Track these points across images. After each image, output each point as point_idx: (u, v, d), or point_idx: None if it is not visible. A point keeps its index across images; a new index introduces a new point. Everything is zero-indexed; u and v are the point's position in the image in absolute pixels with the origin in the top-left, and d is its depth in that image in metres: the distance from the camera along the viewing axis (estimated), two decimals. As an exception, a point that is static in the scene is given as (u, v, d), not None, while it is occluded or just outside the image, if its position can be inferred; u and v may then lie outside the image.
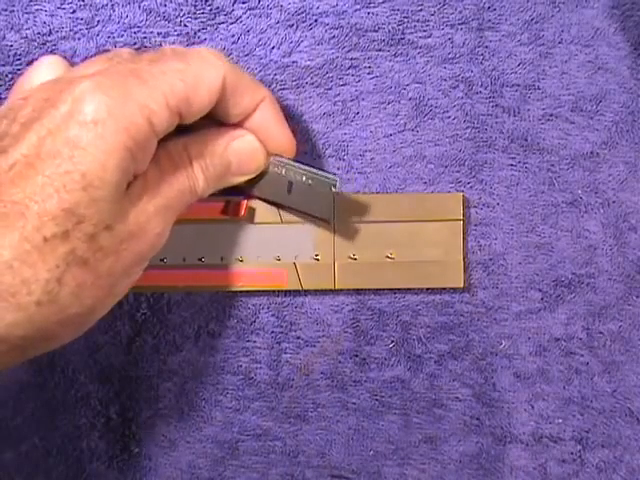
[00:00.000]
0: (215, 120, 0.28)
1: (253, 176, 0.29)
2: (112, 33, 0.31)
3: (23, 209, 0.23)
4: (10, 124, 0.24)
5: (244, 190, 0.30)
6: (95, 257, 0.24)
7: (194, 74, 0.25)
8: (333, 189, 0.29)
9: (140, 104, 0.24)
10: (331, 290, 0.32)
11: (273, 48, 0.32)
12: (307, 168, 0.30)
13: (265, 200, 0.31)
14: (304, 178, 0.30)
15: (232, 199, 0.31)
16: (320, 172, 0.30)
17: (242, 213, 0.31)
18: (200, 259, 0.31)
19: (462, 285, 0.32)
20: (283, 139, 0.29)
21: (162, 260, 0.31)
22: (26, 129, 0.23)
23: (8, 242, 0.22)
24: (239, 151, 0.28)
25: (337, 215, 0.31)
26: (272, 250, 0.31)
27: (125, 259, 0.25)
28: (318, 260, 0.31)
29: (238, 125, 0.28)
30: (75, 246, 0.23)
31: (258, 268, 0.31)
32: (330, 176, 0.29)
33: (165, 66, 0.25)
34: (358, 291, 0.32)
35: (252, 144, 0.29)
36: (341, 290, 0.32)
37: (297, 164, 0.30)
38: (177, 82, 0.25)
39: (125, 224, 0.24)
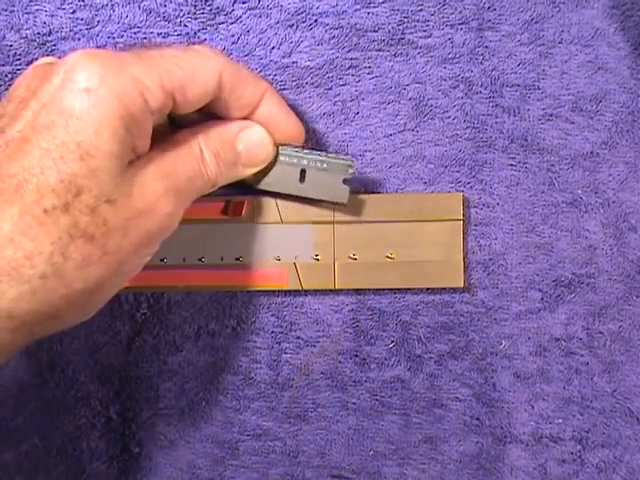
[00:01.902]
0: (220, 117, 0.28)
1: (262, 167, 0.29)
2: (112, 33, 0.31)
3: (22, 182, 0.23)
4: (6, 105, 0.24)
5: (252, 186, 0.30)
6: (100, 231, 0.24)
7: (191, 63, 0.26)
8: (350, 170, 0.30)
9: (134, 77, 0.24)
10: (331, 290, 0.32)
11: (273, 48, 0.32)
12: (321, 153, 0.30)
13: (275, 194, 0.31)
14: (319, 164, 0.30)
15: (232, 199, 0.31)
16: (334, 155, 0.30)
17: (242, 213, 0.31)
18: (200, 259, 0.31)
19: (462, 285, 0.32)
20: (291, 127, 0.29)
21: (162, 260, 0.31)
22: (22, 107, 0.24)
23: (8, 216, 0.22)
24: (248, 141, 0.28)
25: (337, 215, 0.31)
26: (272, 250, 0.31)
27: (133, 236, 0.25)
28: (318, 260, 0.31)
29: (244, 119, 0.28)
30: (77, 219, 0.23)
31: (258, 268, 0.31)
32: (346, 158, 0.30)
33: (163, 51, 0.26)
34: (358, 291, 0.32)
35: (260, 133, 0.29)
36: (341, 290, 0.32)
37: (309, 150, 0.30)
38: (174, 67, 0.25)
39: (129, 199, 0.24)
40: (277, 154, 0.30)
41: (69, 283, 0.23)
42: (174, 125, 0.28)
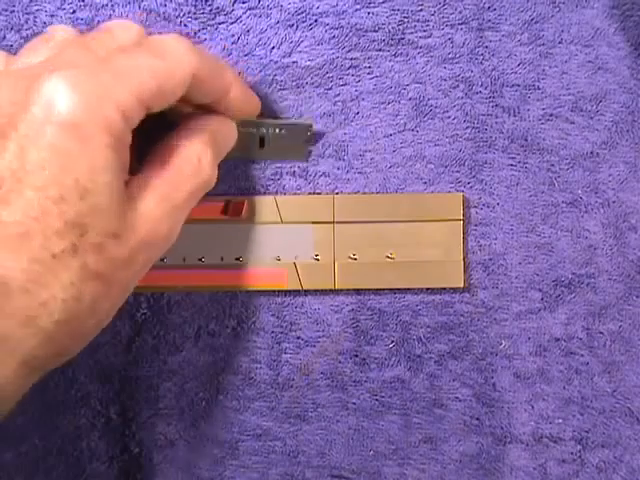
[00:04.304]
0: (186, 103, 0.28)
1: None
2: (112, 33, 0.31)
3: (24, 228, 0.22)
4: None
5: None
6: (108, 268, 0.23)
7: (166, 71, 0.25)
8: (309, 132, 0.31)
9: (117, 102, 0.23)
10: (331, 290, 0.32)
11: (273, 48, 0.32)
12: (279, 121, 0.31)
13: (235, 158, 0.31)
14: (277, 130, 0.31)
15: (232, 199, 0.31)
16: (293, 120, 0.31)
17: (242, 213, 0.31)
18: (200, 259, 0.31)
19: (462, 285, 0.32)
20: (252, 106, 0.30)
21: (162, 260, 0.31)
22: (2, 138, 0.22)
23: (19, 266, 0.22)
24: (223, 135, 0.29)
25: (337, 215, 0.31)
26: (272, 250, 0.31)
27: (137, 265, 0.25)
28: (318, 260, 0.31)
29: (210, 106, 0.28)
30: (86, 259, 0.23)
31: (258, 268, 0.31)
32: (304, 120, 0.31)
33: (138, 60, 0.25)
34: (358, 291, 0.32)
35: (229, 125, 0.29)
36: (341, 290, 0.32)
37: (267, 120, 0.31)
38: (150, 80, 0.24)
39: (133, 232, 0.24)
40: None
41: (82, 323, 0.23)
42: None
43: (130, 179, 0.25)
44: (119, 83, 0.24)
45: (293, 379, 0.32)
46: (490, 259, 0.32)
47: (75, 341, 0.24)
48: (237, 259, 0.31)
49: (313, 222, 0.31)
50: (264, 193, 0.32)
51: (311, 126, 0.31)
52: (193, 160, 0.26)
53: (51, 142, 0.22)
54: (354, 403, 0.32)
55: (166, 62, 0.25)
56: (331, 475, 0.33)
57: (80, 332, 0.24)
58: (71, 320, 0.23)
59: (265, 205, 0.31)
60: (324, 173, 0.32)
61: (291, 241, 0.31)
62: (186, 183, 0.26)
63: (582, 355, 0.32)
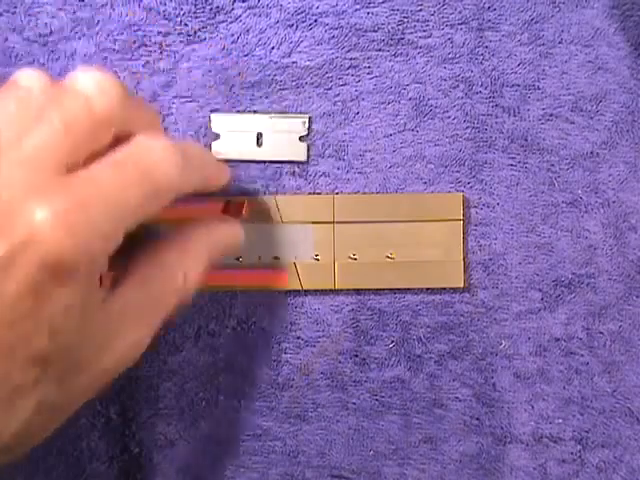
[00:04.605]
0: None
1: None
2: (112, 32, 0.31)
3: None
4: None
5: None
6: (66, 399, 0.23)
7: (152, 195, 0.23)
8: (304, 128, 0.31)
9: (102, 237, 0.22)
10: (331, 290, 0.32)
11: (273, 48, 0.32)
12: (274, 115, 0.31)
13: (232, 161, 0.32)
14: (273, 125, 0.31)
15: (233, 199, 0.31)
16: (288, 114, 0.31)
17: (242, 213, 0.31)
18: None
19: (462, 285, 0.32)
20: (225, 179, 0.29)
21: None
22: None
23: None
24: (225, 242, 0.28)
25: (337, 215, 0.31)
26: (272, 250, 0.31)
27: (95, 391, 0.24)
28: (318, 260, 0.31)
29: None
30: (46, 391, 0.22)
31: (258, 268, 0.31)
32: (299, 115, 0.31)
33: (126, 180, 0.23)
34: (358, 291, 0.32)
35: (232, 229, 0.29)
36: (341, 290, 0.32)
37: (263, 115, 0.31)
38: (138, 209, 0.23)
39: (98, 364, 0.24)
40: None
41: (29, 442, 0.24)
42: None
43: (108, 297, 0.24)
44: (109, 216, 0.22)
45: (293, 379, 0.32)
46: (490, 259, 0.32)
47: (26, 448, 0.24)
48: (237, 259, 0.31)
49: (313, 222, 0.31)
50: (264, 193, 0.32)
51: (307, 120, 0.31)
52: (178, 281, 0.25)
53: (29, 281, 0.21)
54: (354, 403, 0.32)
55: (152, 185, 0.23)
56: (331, 475, 0.33)
57: (30, 446, 0.24)
58: (20, 444, 0.23)
59: (265, 205, 0.31)
60: (324, 173, 0.32)
61: (291, 241, 0.31)
62: (168, 305, 0.25)
63: (582, 355, 0.32)
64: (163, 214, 0.30)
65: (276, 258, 0.31)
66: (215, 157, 0.30)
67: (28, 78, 0.24)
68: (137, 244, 0.26)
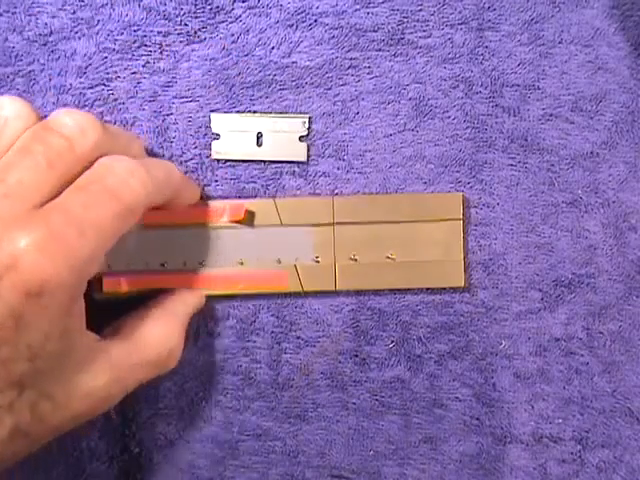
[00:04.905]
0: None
1: None
2: (112, 32, 0.31)
3: None
4: None
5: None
6: (38, 430, 0.24)
7: (125, 214, 0.25)
8: (304, 127, 0.31)
9: (83, 265, 0.23)
10: (331, 291, 0.32)
11: (273, 48, 0.32)
12: (272, 114, 0.31)
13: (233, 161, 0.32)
14: (273, 125, 0.31)
15: (232, 203, 0.31)
16: (288, 114, 0.31)
17: (242, 216, 0.31)
18: (201, 262, 0.31)
19: (462, 285, 0.32)
20: (196, 195, 0.31)
21: (162, 265, 0.31)
22: None
23: None
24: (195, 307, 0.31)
25: (337, 216, 0.31)
26: (272, 252, 0.31)
27: (66, 428, 0.25)
28: (318, 262, 0.31)
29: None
30: (20, 418, 0.23)
31: (259, 271, 0.31)
32: (299, 115, 0.31)
33: (93, 202, 0.24)
34: (358, 291, 0.32)
35: (200, 296, 0.31)
36: (341, 290, 0.32)
37: (263, 115, 0.31)
38: (110, 228, 0.24)
39: (70, 401, 0.24)
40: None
41: (1, 468, 0.24)
42: None
43: (91, 344, 0.26)
44: (86, 244, 0.23)
45: (293, 379, 0.32)
46: (490, 259, 0.32)
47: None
48: (237, 262, 0.31)
49: (313, 224, 0.31)
50: (264, 193, 0.32)
51: (307, 120, 0.31)
52: (162, 357, 0.28)
53: (11, 305, 0.22)
54: (354, 403, 0.32)
55: (119, 202, 0.24)
56: (331, 475, 0.33)
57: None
58: None
59: (265, 208, 0.31)
60: (324, 173, 0.32)
61: (291, 243, 0.31)
62: (144, 367, 0.27)
63: (582, 355, 0.32)
64: (164, 220, 0.30)
65: (277, 261, 0.31)
66: (181, 171, 0.30)
67: (16, 116, 0.25)
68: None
